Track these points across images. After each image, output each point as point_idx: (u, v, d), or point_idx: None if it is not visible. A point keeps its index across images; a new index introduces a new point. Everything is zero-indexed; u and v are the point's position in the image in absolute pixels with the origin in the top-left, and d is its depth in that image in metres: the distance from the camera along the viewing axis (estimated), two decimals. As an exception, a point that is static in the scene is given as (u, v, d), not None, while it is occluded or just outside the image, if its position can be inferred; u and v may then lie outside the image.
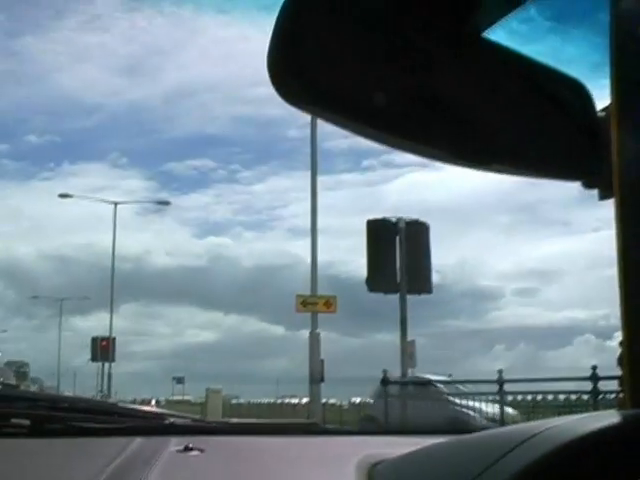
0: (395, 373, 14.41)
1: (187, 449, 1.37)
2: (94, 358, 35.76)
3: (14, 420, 1.53)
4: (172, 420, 1.61)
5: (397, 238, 14.07)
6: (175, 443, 1.40)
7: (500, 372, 12.86)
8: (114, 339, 36.02)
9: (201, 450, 1.37)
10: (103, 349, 34.65)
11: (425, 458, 1.14)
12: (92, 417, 1.57)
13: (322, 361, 15.70)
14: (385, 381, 13.87)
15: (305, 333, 16.04)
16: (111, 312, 37.69)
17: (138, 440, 1.41)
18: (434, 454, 1.14)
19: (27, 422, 1.52)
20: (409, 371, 15.24)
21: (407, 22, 0.76)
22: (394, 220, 14.29)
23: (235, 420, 1.76)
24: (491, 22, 0.80)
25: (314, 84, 0.73)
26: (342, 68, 0.74)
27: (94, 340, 35.55)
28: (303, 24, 0.73)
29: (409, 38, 0.76)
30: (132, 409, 1.63)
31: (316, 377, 15.45)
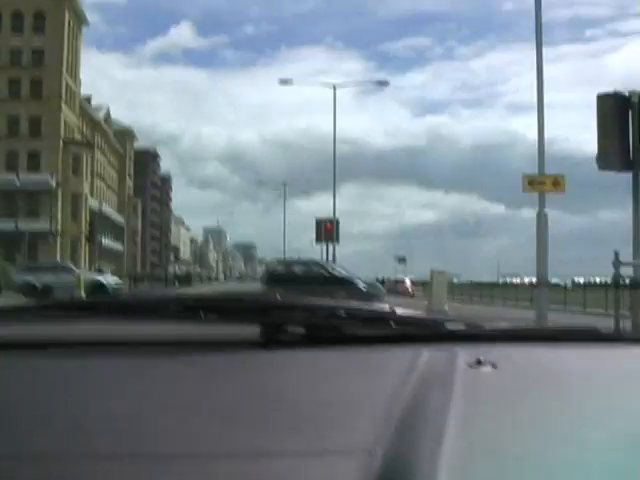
0: (625, 254, 13.84)
1: (480, 363, 1.28)
2: (318, 239, 36.81)
3: (290, 328, 1.50)
4: (453, 326, 1.54)
5: (630, 113, 13.30)
6: (464, 355, 1.32)
7: None
8: (338, 221, 36.83)
9: (493, 364, 1.28)
10: (327, 231, 35.53)
11: None
12: (370, 325, 1.52)
13: (547, 243, 15.32)
14: (617, 263, 13.33)
15: (526, 212, 15.81)
16: (334, 194, 38.48)
17: (425, 352, 1.34)
18: None
19: (302, 331, 1.49)
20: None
21: None
22: (627, 94, 13.48)
23: (509, 325, 1.66)
24: None
25: None
26: None
27: (318, 222, 36.47)
28: None
29: None
30: (410, 316, 1.56)
31: (543, 259, 15.12)
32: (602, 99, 13.53)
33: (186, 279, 75.55)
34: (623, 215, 14.36)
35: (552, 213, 15.65)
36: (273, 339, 1.47)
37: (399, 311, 1.57)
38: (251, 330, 1.48)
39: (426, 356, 1.33)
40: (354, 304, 1.66)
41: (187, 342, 1.45)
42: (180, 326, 1.49)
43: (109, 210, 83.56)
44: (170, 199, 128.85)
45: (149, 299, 1.65)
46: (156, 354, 1.40)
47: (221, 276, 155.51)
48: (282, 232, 68.12)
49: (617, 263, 13.36)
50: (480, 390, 1.19)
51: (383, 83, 46.30)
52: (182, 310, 1.54)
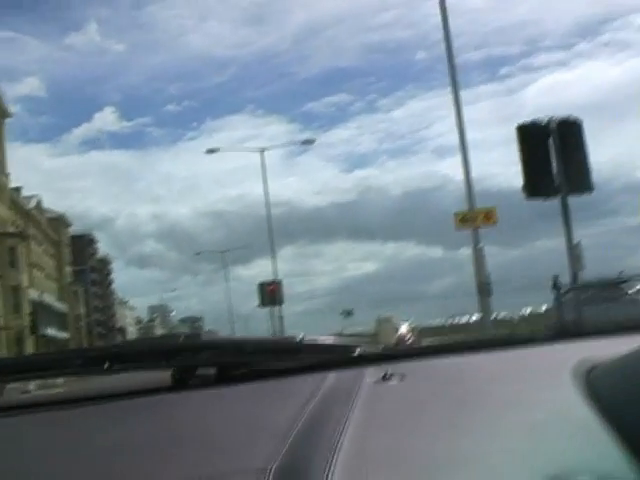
0: (564, 278, 14.02)
1: (385, 378, 1.28)
2: (263, 303, 36.62)
3: (200, 371, 1.48)
4: (361, 350, 1.52)
5: (550, 139, 13.56)
6: (371, 373, 1.31)
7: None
8: (280, 282, 36.77)
9: (400, 377, 1.28)
10: (270, 293, 35.40)
11: None
12: (279, 357, 1.51)
13: (489, 274, 15.46)
14: (556, 286, 13.49)
15: (465, 251, 15.87)
16: (273, 255, 38.50)
17: (332, 375, 1.33)
18: None
19: (213, 371, 1.48)
20: (578, 274, 14.81)
21: None
22: (545, 121, 13.76)
23: (425, 342, 1.65)
24: None
25: None
26: None
27: (261, 285, 36.30)
28: None
29: None
30: (319, 344, 1.55)
31: (484, 291, 15.24)
32: (522, 129, 13.79)
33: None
34: (558, 242, 14.57)
35: (489, 249, 15.84)
36: (184, 382, 1.45)
37: (308, 339, 1.56)
38: (161, 375, 1.46)
39: (333, 378, 1.32)
40: (262, 337, 1.64)
41: (95, 396, 1.42)
42: (87, 379, 1.47)
43: (50, 299, 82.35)
44: (111, 281, 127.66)
45: (51, 356, 1.61)
46: (64, 411, 1.37)
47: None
48: (226, 301, 67.72)
49: (557, 287, 13.52)
50: (385, 402, 1.18)
51: (309, 142, 46.95)
52: (87, 363, 1.51)
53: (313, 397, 1.18)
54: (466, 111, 16.31)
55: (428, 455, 0.94)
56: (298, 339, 1.57)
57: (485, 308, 15.41)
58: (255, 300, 37.29)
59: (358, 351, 1.52)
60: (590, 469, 0.89)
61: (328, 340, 1.59)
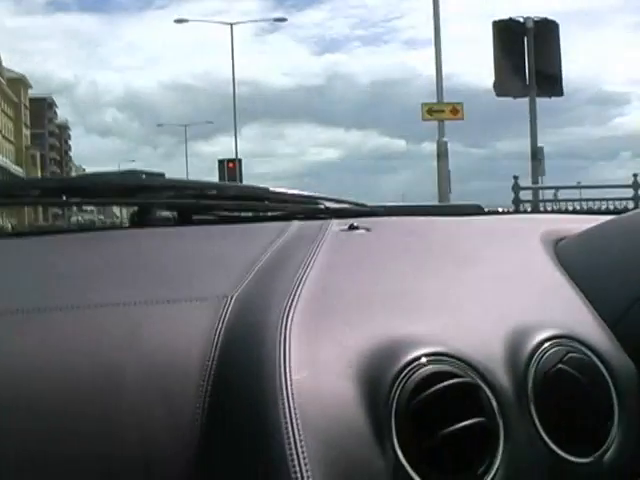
0: (525, 181, 14.10)
1: (352, 228, 1.26)
2: (222, 180, 36.42)
3: (160, 212, 1.44)
4: (331, 204, 1.49)
5: (525, 39, 13.43)
6: (337, 224, 1.29)
7: (635, 176, 12.70)
8: (240, 160, 36.54)
9: (367, 229, 1.26)
10: (230, 171, 35.16)
11: (607, 232, 1.15)
12: (243, 204, 1.47)
13: (449, 172, 15.46)
14: (516, 187, 13.58)
15: (428, 145, 15.74)
16: (235, 132, 38.19)
17: (297, 223, 1.29)
18: (614, 228, 1.15)
19: (173, 213, 1.43)
20: (539, 179, 14.91)
21: None
22: (522, 20, 13.60)
23: (397, 203, 1.63)
24: None
25: None
26: None
27: (221, 162, 36.01)
28: None
29: None
30: (287, 194, 1.51)
31: (444, 188, 15.27)
32: (497, 25, 13.62)
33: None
34: (521, 145, 14.59)
35: (452, 146, 15.75)
36: (143, 221, 1.41)
37: (274, 189, 1.52)
38: (120, 212, 1.42)
39: (298, 226, 1.29)
40: (230, 184, 1.60)
41: (52, 229, 1.39)
42: (44, 210, 1.43)
43: (6, 161, 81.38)
44: (69, 147, 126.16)
45: (6, 184, 1.56)
46: (17, 240, 1.33)
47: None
48: (185, 176, 67.26)
49: (517, 187, 13.62)
50: (350, 248, 1.17)
51: (280, 20, 46.14)
52: (45, 193, 1.46)
53: (278, 239, 1.16)
54: (443, 4, 15.94)
55: (392, 296, 0.94)
56: (266, 188, 1.53)
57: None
58: (214, 177, 37.05)
59: (325, 204, 1.49)
60: (555, 324, 0.91)
61: (299, 191, 1.56)
